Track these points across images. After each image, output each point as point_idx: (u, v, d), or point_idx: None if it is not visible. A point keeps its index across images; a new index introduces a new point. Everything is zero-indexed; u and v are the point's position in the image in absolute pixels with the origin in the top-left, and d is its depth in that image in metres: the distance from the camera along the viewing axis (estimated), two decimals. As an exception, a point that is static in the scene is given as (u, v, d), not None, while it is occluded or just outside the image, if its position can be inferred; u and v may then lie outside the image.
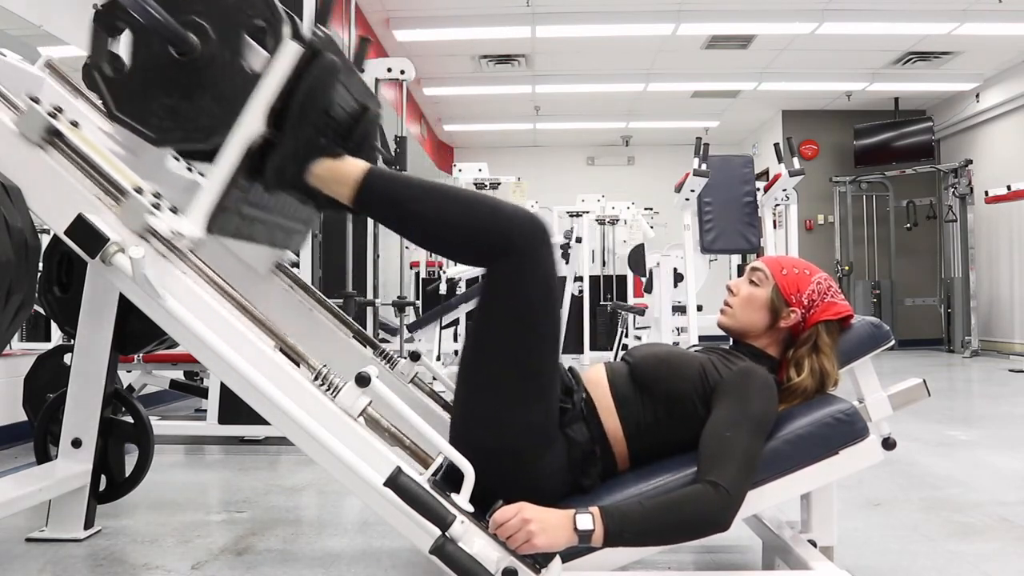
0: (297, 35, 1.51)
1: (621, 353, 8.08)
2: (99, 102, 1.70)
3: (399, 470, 1.28)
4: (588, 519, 1.27)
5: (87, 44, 1.61)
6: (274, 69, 1.47)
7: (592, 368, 1.61)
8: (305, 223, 1.98)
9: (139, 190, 1.44)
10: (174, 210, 1.49)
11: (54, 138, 1.46)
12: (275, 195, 1.67)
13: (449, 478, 1.37)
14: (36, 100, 1.47)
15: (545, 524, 1.27)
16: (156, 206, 1.45)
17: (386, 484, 1.27)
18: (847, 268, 9.69)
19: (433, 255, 10.08)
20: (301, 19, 1.55)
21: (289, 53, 1.47)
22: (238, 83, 1.56)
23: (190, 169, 2.06)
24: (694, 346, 1.73)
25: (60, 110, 1.51)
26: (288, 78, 1.48)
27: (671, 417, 1.50)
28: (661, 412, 1.51)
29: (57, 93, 1.86)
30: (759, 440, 1.41)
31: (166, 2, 1.53)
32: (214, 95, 1.58)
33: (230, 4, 1.58)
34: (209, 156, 1.61)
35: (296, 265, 2.09)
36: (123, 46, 1.62)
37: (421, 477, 1.32)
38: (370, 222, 4.31)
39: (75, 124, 1.54)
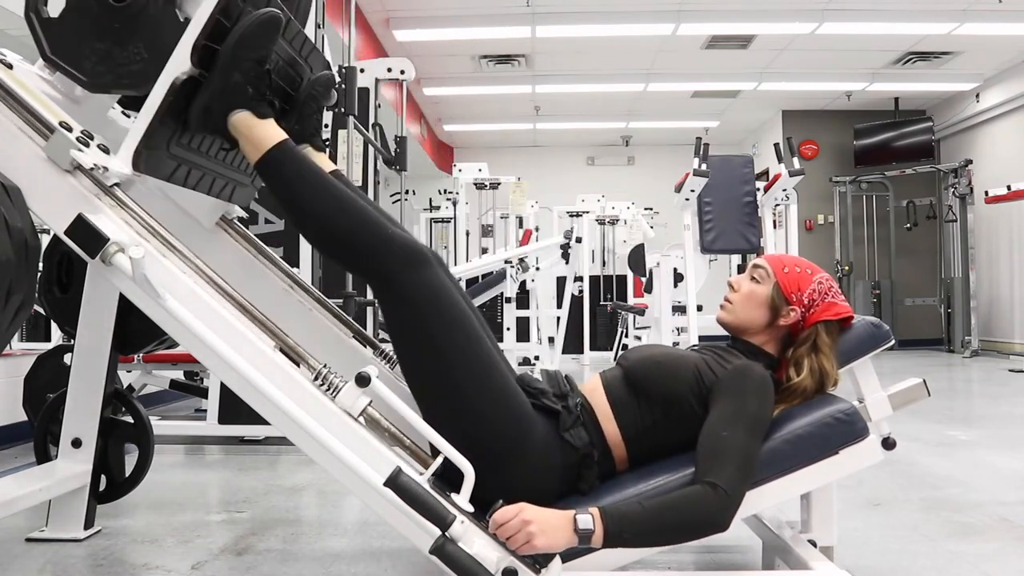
0: None
1: (620, 354, 8.08)
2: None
3: (399, 470, 1.28)
4: (588, 520, 1.27)
5: None
6: (202, 6, 1.47)
7: (589, 378, 1.61)
8: (252, 175, 1.97)
9: (66, 127, 1.44)
10: (104, 148, 1.49)
11: None
12: (208, 141, 1.67)
13: (449, 478, 1.37)
14: None
15: (545, 525, 1.27)
16: (84, 144, 1.45)
17: (386, 484, 1.27)
18: (847, 268, 9.69)
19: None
20: None
21: None
22: (171, 30, 1.57)
23: (127, 115, 2.06)
24: (693, 346, 1.73)
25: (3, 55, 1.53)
26: (216, 16, 1.47)
27: (668, 418, 1.50)
28: (658, 414, 1.51)
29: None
30: (756, 439, 1.41)
31: None
32: (147, 42, 1.60)
33: None
34: (139, 101, 1.61)
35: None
36: None
37: (421, 477, 1.32)
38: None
39: (9, 66, 1.56)
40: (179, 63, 1.47)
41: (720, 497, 1.30)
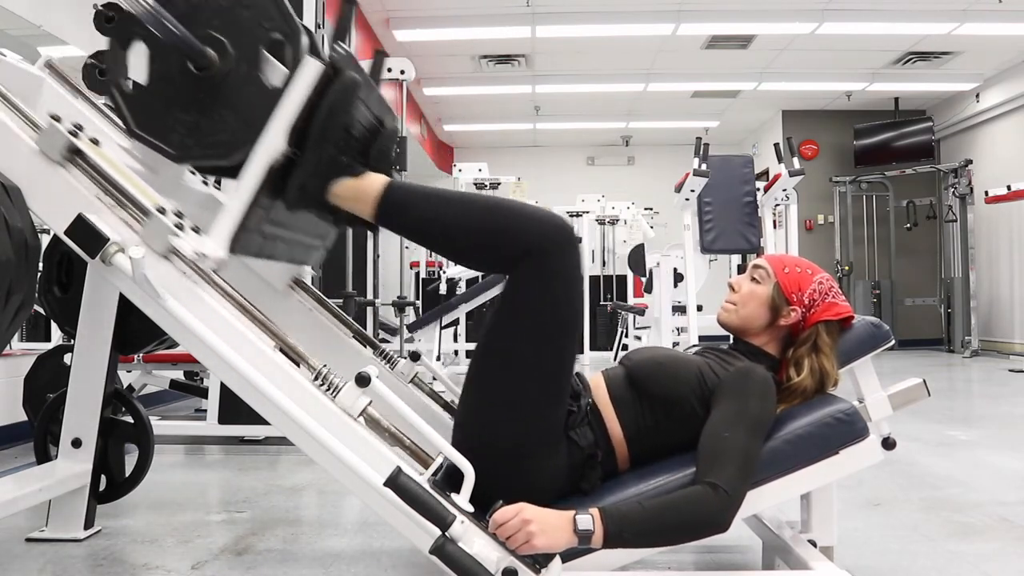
0: (315, 50, 1.49)
1: (621, 354, 8.08)
2: (108, 109, 1.69)
3: (399, 470, 1.28)
4: (588, 520, 1.27)
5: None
6: (295, 87, 1.45)
7: (591, 376, 1.61)
8: (323, 238, 1.96)
9: (161, 210, 1.43)
10: (196, 229, 1.47)
11: (75, 157, 1.45)
12: (295, 212, 1.66)
13: (449, 478, 1.37)
14: (57, 118, 1.45)
15: (545, 525, 1.27)
16: (179, 226, 1.43)
17: (386, 484, 1.27)
18: (847, 268, 9.69)
19: (433, 255, 10.10)
20: (301, 17, 1.53)
21: (310, 71, 1.45)
22: (257, 98, 1.54)
23: (205, 182, 2.05)
24: (693, 346, 1.73)
25: (80, 128, 1.49)
26: (309, 96, 1.46)
27: (670, 419, 1.50)
28: (660, 414, 1.51)
29: (67, 102, 1.85)
30: (758, 440, 1.41)
31: (183, 16, 1.51)
32: (233, 110, 1.55)
33: (247, 17, 1.55)
34: (225, 170, 1.60)
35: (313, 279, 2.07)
36: (137, 59, 1.61)
37: (421, 477, 1.32)
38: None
39: (95, 142, 1.53)
40: (273, 145, 1.45)
41: (721, 497, 1.30)
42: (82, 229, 1.39)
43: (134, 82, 1.58)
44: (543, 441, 1.45)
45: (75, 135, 1.46)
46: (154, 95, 1.58)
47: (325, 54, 1.50)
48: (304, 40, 1.52)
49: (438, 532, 1.26)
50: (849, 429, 1.48)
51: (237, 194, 1.46)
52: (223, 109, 1.56)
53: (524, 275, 1.42)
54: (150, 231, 1.42)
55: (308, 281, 2.07)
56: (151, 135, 1.59)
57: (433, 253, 10.07)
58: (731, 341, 1.69)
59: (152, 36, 1.54)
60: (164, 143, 1.58)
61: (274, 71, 1.56)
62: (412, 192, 1.52)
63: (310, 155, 1.48)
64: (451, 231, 1.48)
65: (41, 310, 2.57)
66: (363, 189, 1.50)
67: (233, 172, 1.52)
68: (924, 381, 1.61)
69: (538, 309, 1.42)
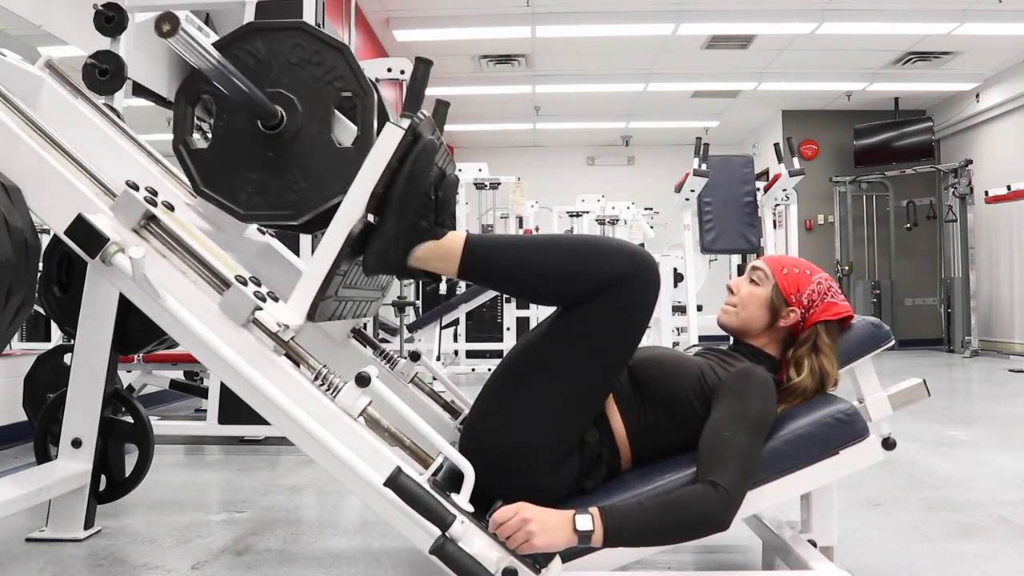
0: (382, 109, 1.47)
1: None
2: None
3: (399, 470, 1.28)
4: (588, 520, 1.27)
5: (172, 123, 1.55)
6: (377, 152, 1.42)
7: None
8: (383, 289, 1.95)
9: (241, 280, 1.40)
10: (274, 296, 1.45)
11: (151, 223, 1.43)
12: (360, 274, 1.63)
13: (449, 478, 1.37)
14: (134, 186, 1.43)
15: (545, 524, 1.27)
16: (260, 296, 1.40)
17: (386, 484, 1.27)
18: (847, 268, 9.69)
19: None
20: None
21: (393, 136, 1.41)
22: (327, 158, 1.52)
23: (262, 231, 2.04)
24: (693, 346, 1.73)
25: (155, 193, 1.46)
26: (390, 161, 1.42)
27: (670, 419, 1.50)
28: (661, 414, 1.51)
29: (155, 179, 1.81)
30: (758, 440, 1.41)
31: (251, 73, 1.48)
32: (302, 170, 1.54)
33: (317, 75, 1.54)
34: (294, 228, 1.58)
35: (364, 327, 2.06)
36: (205, 117, 1.59)
37: (421, 477, 1.32)
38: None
39: (170, 207, 1.50)
40: (353, 212, 1.41)
41: (721, 497, 1.30)
42: (82, 229, 1.38)
43: (202, 140, 1.56)
44: (556, 453, 1.45)
45: (152, 203, 1.43)
46: (221, 153, 1.56)
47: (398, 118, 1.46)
48: (376, 99, 1.50)
49: (438, 532, 1.26)
50: (849, 429, 1.48)
51: (317, 262, 1.42)
52: (292, 168, 1.54)
53: (602, 299, 1.41)
54: (231, 301, 1.38)
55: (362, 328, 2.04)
56: (218, 194, 1.57)
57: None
58: (731, 342, 1.69)
59: (220, 93, 1.51)
60: (232, 202, 1.56)
61: (344, 130, 1.55)
62: (494, 244, 1.51)
63: (391, 223, 1.44)
64: (537, 278, 1.47)
65: (41, 310, 2.56)
66: (445, 249, 1.47)
67: (300, 228, 1.49)
68: (924, 381, 1.61)
69: (603, 331, 1.42)
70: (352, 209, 1.41)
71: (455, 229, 1.68)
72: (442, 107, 1.75)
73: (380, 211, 1.44)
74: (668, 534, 1.34)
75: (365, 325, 3.97)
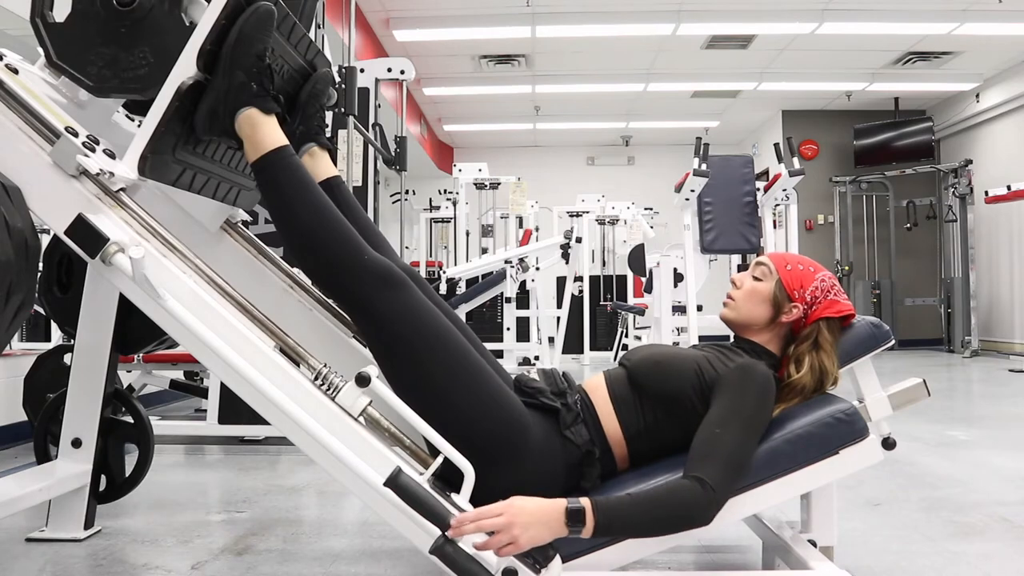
0: None
1: (621, 354, 8.08)
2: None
3: (399, 470, 1.28)
4: (579, 512, 1.27)
5: None
6: (209, 10, 1.47)
7: (592, 377, 1.61)
8: (252, 177, 1.97)
9: (72, 132, 1.44)
10: (110, 153, 1.49)
11: None
12: (213, 145, 1.67)
13: (449, 478, 1.37)
14: None
15: (532, 519, 1.25)
16: (91, 148, 1.44)
17: (386, 484, 1.27)
18: (847, 268, 9.69)
19: (433, 256, 10.10)
20: None
21: None
22: (177, 35, 1.57)
23: (131, 119, 2.07)
24: (694, 347, 1.73)
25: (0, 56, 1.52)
26: (221, 20, 1.47)
27: (670, 416, 1.50)
28: (660, 413, 1.51)
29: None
30: (752, 439, 1.41)
31: None
32: (152, 46, 1.60)
33: None
34: (145, 105, 1.61)
35: (249, 223, 2.09)
36: None
37: (421, 477, 1.32)
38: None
39: (14, 71, 1.55)
40: (185, 68, 1.47)
41: (708, 493, 1.30)
42: (82, 229, 1.39)
43: (57, 13, 1.60)
44: (500, 443, 1.44)
45: None
46: (76, 27, 1.61)
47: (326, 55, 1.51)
48: None
49: (438, 532, 1.26)
50: (849, 429, 1.48)
51: (149, 116, 1.48)
52: (143, 45, 1.59)
53: (361, 324, 1.50)
54: (59, 150, 1.42)
55: (241, 223, 2.07)
56: (70, 65, 1.61)
57: (433, 253, 10.08)
58: (733, 339, 1.68)
59: None
60: (82, 74, 1.61)
61: (198, 9, 1.58)
62: (291, 174, 1.52)
63: (219, 79, 1.50)
64: (298, 235, 1.50)
65: (41, 310, 2.56)
66: (260, 133, 1.52)
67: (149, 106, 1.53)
68: (924, 381, 1.60)
69: (394, 347, 1.46)
70: (182, 64, 1.46)
71: (328, 143, 1.77)
72: None
73: (211, 69, 1.49)
74: (653, 527, 1.34)
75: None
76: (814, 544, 1.56)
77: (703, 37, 7.51)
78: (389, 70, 4.17)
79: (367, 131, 3.94)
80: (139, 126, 2.00)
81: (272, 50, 1.59)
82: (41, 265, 1.92)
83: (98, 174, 1.42)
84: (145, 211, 1.49)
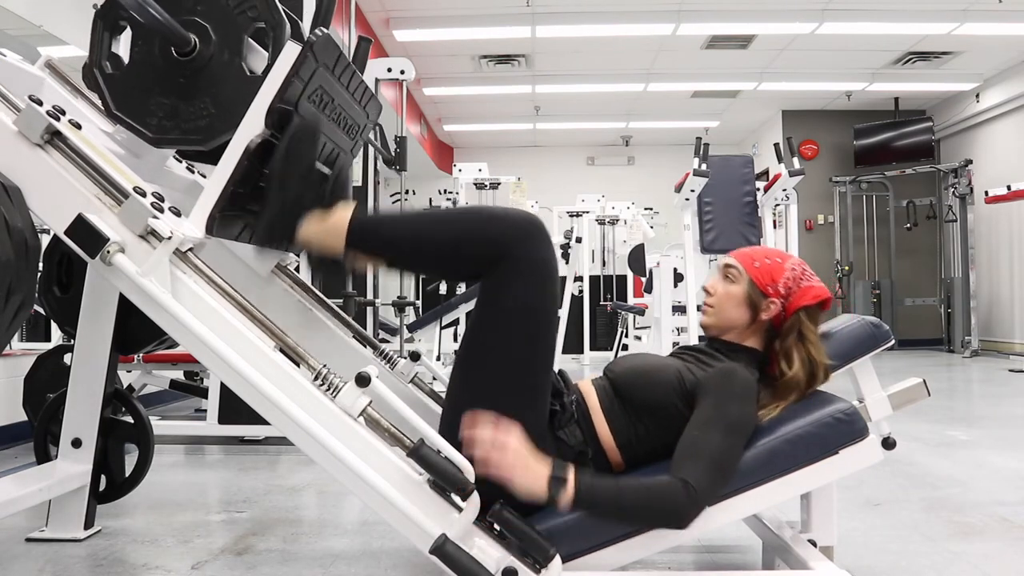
0: (297, 35, 1.51)
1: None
2: (99, 102, 1.70)
3: (421, 442, 1.29)
4: (563, 484, 1.30)
5: (88, 42, 1.60)
6: (276, 69, 1.47)
7: (581, 383, 1.60)
8: None
9: (140, 191, 1.43)
10: (176, 211, 1.49)
11: (54, 138, 1.45)
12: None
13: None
14: (38, 101, 1.47)
15: (527, 463, 1.30)
16: (157, 207, 1.44)
17: (409, 455, 1.30)
18: (847, 268, 9.69)
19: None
20: (301, 19, 1.54)
21: (290, 54, 1.46)
22: (237, 85, 1.56)
23: (191, 169, 2.07)
24: (672, 353, 1.72)
25: (62, 111, 1.50)
26: (295, 78, 1.47)
27: (659, 424, 1.50)
28: (648, 422, 1.51)
29: (59, 94, 1.86)
30: (737, 442, 1.41)
31: (166, 2, 1.53)
32: (213, 96, 1.58)
33: (231, 5, 1.58)
34: (209, 156, 1.60)
35: (297, 267, 2.09)
36: (123, 45, 1.62)
37: (420, 478, 1.32)
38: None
39: (77, 125, 1.53)
40: (253, 126, 1.46)
41: (689, 495, 1.32)
42: (82, 229, 1.39)
43: (116, 64, 1.59)
44: (527, 429, 1.44)
45: (55, 117, 1.46)
46: (135, 78, 1.60)
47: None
48: (287, 29, 1.53)
49: (438, 532, 1.26)
50: (849, 429, 1.48)
51: (216, 175, 1.47)
52: (202, 95, 1.58)
53: (498, 274, 1.43)
54: (127, 211, 1.41)
55: (290, 267, 2.07)
56: (130, 117, 1.60)
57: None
58: (707, 340, 1.67)
59: (137, 20, 1.55)
60: (142, 125, 1.60)
61: (257, 58, 1.58)
62: (380, 216, 1.54)
63: (272, 200, 1.50)
64: (424, 245, 1.50)
65: (41, 310, 2.57)
66: (331, 223, 1.52)
67: (212, 158, 1.53)
68: (924, 381, 1.60)
69: (513, 310, 1.43)
70: (251, 122, 1.46)
71: (348, 195, 1.74)
72: (364, 43, 1.81)
73: (280, 127, 1.49)
74: (629, 518, 1.36)
75: (364, 324, 3.96)
76: (814, 544, 1.56)
77: (703, 37, 7.50)
78: (389, 70, 4.18)
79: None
80: (187, 168, 2.02)
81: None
82: (41, 265, 1.92)
83: (168, 238, 1.40)
84: (212, 269, 1.47)
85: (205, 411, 3.39)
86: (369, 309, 4.08)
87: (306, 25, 1.83)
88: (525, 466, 1.31)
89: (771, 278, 1.57)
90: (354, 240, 1.50)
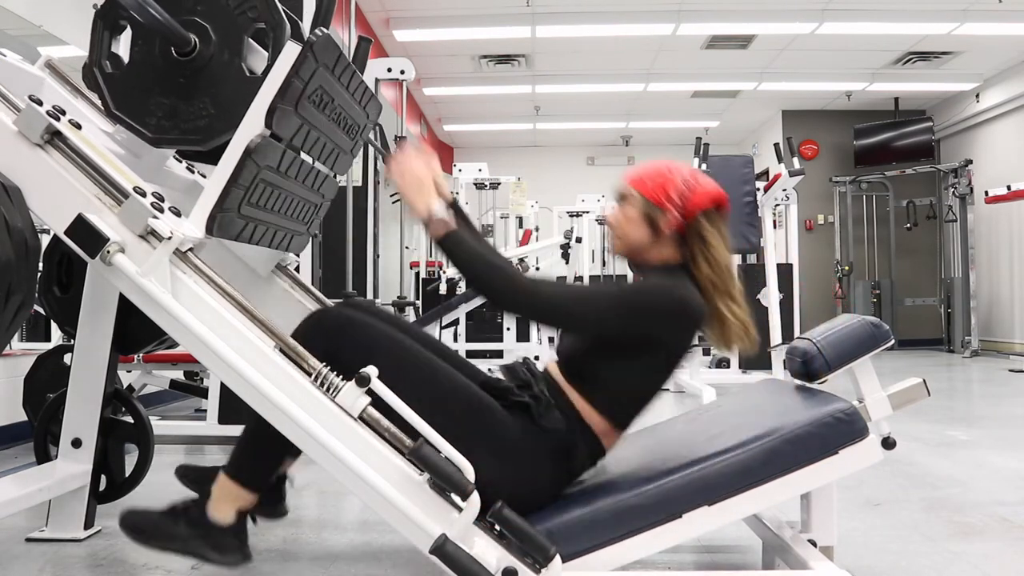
0: (297, 36, 1.50)
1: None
2: (99, 102, 1.70)
3: (421, 442, 1.28)
4: (442, 224, 1.48)
5: (88, 42, 1.60)
6: (276, 69, 1.46)
7: (549, 364, 1.61)
8: (306, 224, 1.98)
9: (140, 191, 1.43)
10: (176, 211, 1.48)
11: (54, 138, 1.45)
12: (273, 196, 1.67)
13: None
14: (38, 101, 1.47)
15: (420, 192, 1.50)
16: (157, 207, 1.44)
17: (410, 455, 1.30)
18: (847, 268, 9.69)
19: (433, 255, 10.09)
20: (301, 19, 1.54)
21: (290, 54, 1.46)
22: (237, 85, 1.56)
23: (191, 170, 2.07)
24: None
25: (62, 111, 1.50)
26: (295, 78, 1.46)
27: (614, 359, 1.50)
28: (606, 363, 1.51)
29: (59, 94, 1.86)
30: (604, 301, 1.48)
31: (167, 2, 1.53)
32: (212, 96, 1.58)
33: (231, 5, 1.58)
34: (209, 157, 1.60)
35: (297, 268, 2.08)
36: (123, 45, 1.62)
37: (421, 478, 1.32)
38: (369, 222, 4.32)
39: (77, 125, 1.53)
40: (253, 126, 1.46)
41: (525, 287, 1.44)
42: (82, 229, 1.39)
43: (115, 64, 1.58)
44: (484, 446, 1.43)
45: (56, 117, 1.46)
46: (135, 77, 1.59)
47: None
48: (287, 30, 1.53)
49: (438, 532, 1.26)
50: (849, 429, 1.48)
51: (216, 175, 1.47)
52: (203, 95, 1.58)
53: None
54: (127, 211, 1.41)
55: (290, 267, 2.08)
56: (129, 116, 1.60)
57: (433, 253, 10.08)
58: (634, 269, 1.68)
59: (137, 19, 1.55)
60: (141, 125, 1.60)
61: (257, 59, 1.57)
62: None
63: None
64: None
65: (41, 310, 2.56)
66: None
67: (212, 158, 1.53)
68: (924, 381, 1.60)
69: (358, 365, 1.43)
70: (251, 122, 1.46)
71: None
72: (364, 43, 1.84)
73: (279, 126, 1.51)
74: (473, 273, 1.48)
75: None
76: (814, 544, 1.56)
77: (703, 37, 7.50)
78: (389, 70, 4.17)
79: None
80: (187, 168, 2.01)
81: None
82: (41, 265, 1.92)
83: (168, 237, 1.40)
84: (212, 269, 1.47)
85: (205, 411, 3.39)
86: (369, 309, 4.07)
87: (306, 25, 1.83)
88: (418, 191, 1.49)
89: (663, 190, 1.58)
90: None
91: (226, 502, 1.51)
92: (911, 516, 2.21)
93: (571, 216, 8.26)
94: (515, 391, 1.52)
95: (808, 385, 1.70)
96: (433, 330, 6.13)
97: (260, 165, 1.51)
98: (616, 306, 1.47)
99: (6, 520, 2.02)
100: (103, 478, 2.08)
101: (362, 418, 1.36)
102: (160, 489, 2.53)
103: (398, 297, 4.33)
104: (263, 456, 1.54)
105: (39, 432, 2.16)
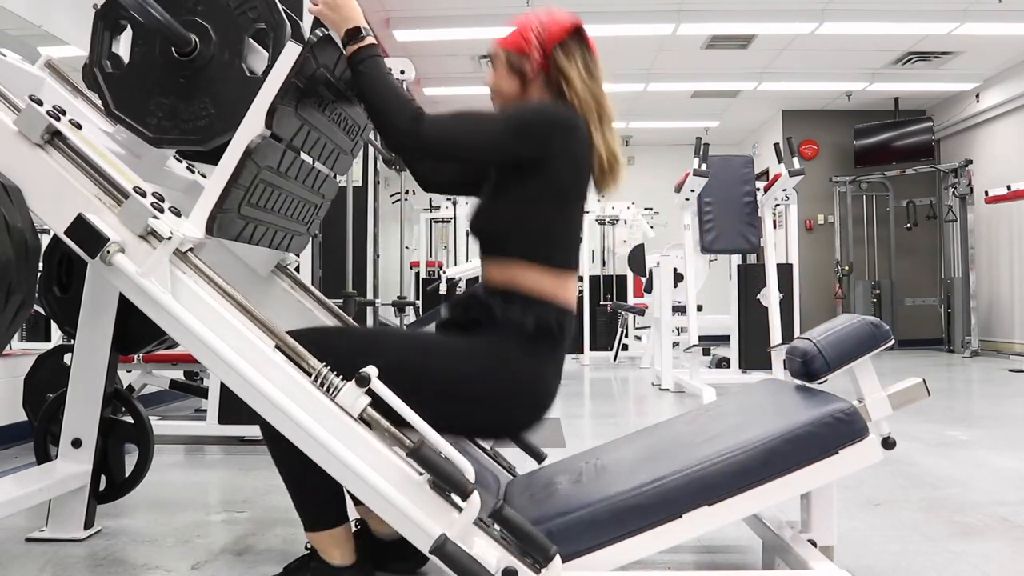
0: (298, 36, 1.50)
1: (621, 354, 8.07)
2: (99, 102, 1.70)
3: (421, 442, 1.28)
4: (369, 49, 1.50)
5: (89, 42, 1.60)
6: (276, 70, 1.46)
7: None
8: (306, 224, 1.98)
9: (140, 191, 1.43)
10: (176, 211, 1.48)
11: (54, 138, 1.45)
12: (273, 196, 1.67)
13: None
14: (38, 101, 1.47)
15: (342, 9, 1.50)
16: (157, 208, 1.44)
17: (410, 455, 1.30)
18: (847, 268, 9.69)
19: (433, 256, 10.10)
20: (301, 19, 1.54)
21: (291, 55, 1.46)
22: (237, 85, 1.56)
23: (191, 169, 2.07)
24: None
25: (62, 111, 1.50)
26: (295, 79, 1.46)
27: (517, 191, 1.53)
28: (508, 203, 1.54)
29: (59, 94, 1.86)
30: (500, 126, 1.52)
31: (167, 2, 1.53)
32: (212, 96, 1.58)
33: (231, 5, 1.58)
34: (209, 157, 1.60)
35: (297, 268, 2.08)
36: (124, 45, 1.62)
37: (421, 477, 1.32)
38: (369, 222, 4.32)
39: (77, 125, 1.53)
40: (253, 126, 1.46)
41: (419, 119, 1.44)
42: (82, 229, 1.39)
43: (116, 64, 1.58)
44: (487, 362, 1.47)
45: (56, 117, 1.46)
46: (135, 77, 1.59)
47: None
48: (288, 30, 1.53)
49: (438, 532, 1.26)
50: (849, 429, 1.48)
51: (216, 175, 1.47)
52: (203, 95, 1.58)
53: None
54: (127, 211, 1.41)
55: (289, 267, 2.08)
56: (129, 116, 1.60)
57: (433, 253, 10.08)
58: None
59: (136, 20, 1.55)
60: (142, 125, 1.60)
61: (258, 59, 1.57)
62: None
63: None
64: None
65: (41, 310, 2.57)
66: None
67: (212, 158, 1.53)
68: (924, 381, 1.60)
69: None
70: (251, 123, 1.46)
71: None
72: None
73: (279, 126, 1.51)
74: (387, 101, 1.48)
75: (365, 325, 3.95)
76: (814, 544, 1.56)
77: (703, 37, 7.50)
78: (389, 70, 4.17)
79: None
80: (188, 168, 2.01)
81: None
82: (41, 265, 1.92)
83: (168, 238, 1.40)
84: (212, 269, 1.47)
85: (205, 411, 3.39)
86: (369, 309, 4.08)
87: (306, 25, 1.83)
88: (343, 4, 1.50)
89: (520, 37, 1.65)
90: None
91: (330, 548, 1.53)
92: (911, 516, 2.21)
93: (571, 216, 8.26)
94: (460, 317, 1.56)
95: (808, 385, 1.70)
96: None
97: (260, 165, 1.51)
98: (506, 129, 1.51)
99: (6, 520, 2.02)
100: (103, 478, 2.08)
101: (362, 418, 1.36)
102: (160, 489, 2.53)
103: (398, 297, 4.33)
104: (314, 495, 1.54)
105: (39, 432, 2.16)
